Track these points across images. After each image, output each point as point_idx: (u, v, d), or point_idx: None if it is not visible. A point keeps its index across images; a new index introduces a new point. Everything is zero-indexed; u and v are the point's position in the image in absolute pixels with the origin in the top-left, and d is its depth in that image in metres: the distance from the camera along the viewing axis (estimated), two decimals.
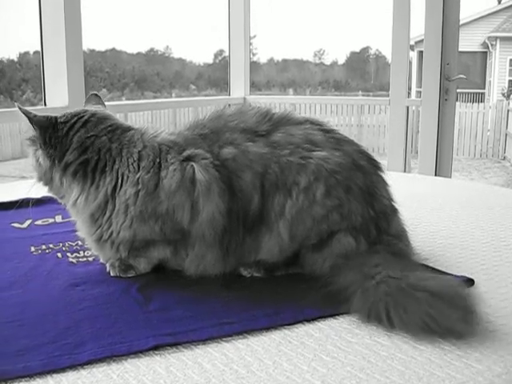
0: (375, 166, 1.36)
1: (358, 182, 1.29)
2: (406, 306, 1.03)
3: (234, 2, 4.99)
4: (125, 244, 1.30)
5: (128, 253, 1.31)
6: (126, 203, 1.27)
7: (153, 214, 1.26)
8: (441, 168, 4.45)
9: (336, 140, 1.35)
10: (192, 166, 1.26)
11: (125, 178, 1.27)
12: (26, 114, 1.30)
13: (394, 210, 1.37)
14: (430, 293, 1.02)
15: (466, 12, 14.64)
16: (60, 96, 3.23)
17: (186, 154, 1.29)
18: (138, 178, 1.27)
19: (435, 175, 4.38)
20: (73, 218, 1.38)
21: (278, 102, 5.66)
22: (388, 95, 4.68)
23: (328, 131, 1.37)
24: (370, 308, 1.07)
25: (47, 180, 1.34)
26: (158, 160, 1.28)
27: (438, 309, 1.00)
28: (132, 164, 1.28)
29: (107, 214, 1.28)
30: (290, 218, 1.26)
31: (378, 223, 1.30)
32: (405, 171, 4.59)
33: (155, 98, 12.24)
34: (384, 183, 1.36)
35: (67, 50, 3.18)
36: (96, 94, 1.51)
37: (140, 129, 1.36)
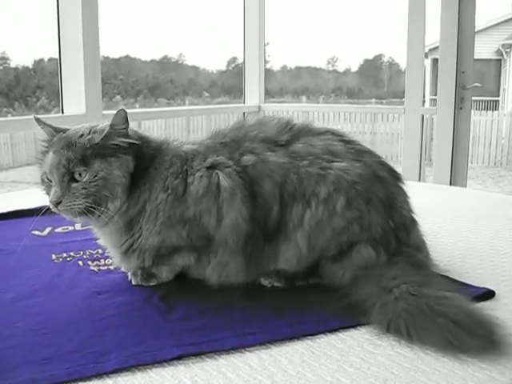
0: (395, 178, 1.37)
1: (379, 193, 1.30)
2: (426, 328, 1.03)
3: (249, 10, 5.01)
4: (151, 251, 1.31)
5: (152, 261, 1.32)
6: (156, 209, 1.28)
7: (181, 219, 1.28)
8: (456, 176, 4.44)
9: (356, 151, 1.35)
10: (217, 173, 1.28)
11: (155, 184, 1.29)
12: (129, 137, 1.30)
13: (414, 222, 1.37)
14: (451, 320, 1.02)
15: (480, 19, 14.61)
16: (77, 104, 3.26)
17: (209, 161, 1.31)
18: (168, 184, 1.29)
19: (450, 184, 4.38)
20: (99, 230, 1.37)
21: (293, 110, 5.66)
22: (401, 102, 4.69)
23: (348, 142, 1.38)
24: (389, 323, 1.07)
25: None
26: (184, 167, 1.31)
27: (459, 337, 0.99)
28: (163, 172, 1.30)
29: (140, 221, 1.30)
30: (308, 229, 1.26)
31: (398, 235, 1.30)
32: (420, 179, 4.58)
33: (168, 104, 12.28)
34: (404, 195, 1.36)
35: (85, 58, 3.20)
36: None
37: (166, 140, 1.38)
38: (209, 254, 1.30)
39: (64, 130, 1.32)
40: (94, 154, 1.26)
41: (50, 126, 1.33)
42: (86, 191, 1.24)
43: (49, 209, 1.30)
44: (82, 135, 1.28)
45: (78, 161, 1.24)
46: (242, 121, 1.42)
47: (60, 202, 1.24)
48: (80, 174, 1.25)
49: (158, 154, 1.33)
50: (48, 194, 1.29)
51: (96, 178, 1.25)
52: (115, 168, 1.27)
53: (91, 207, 1.25)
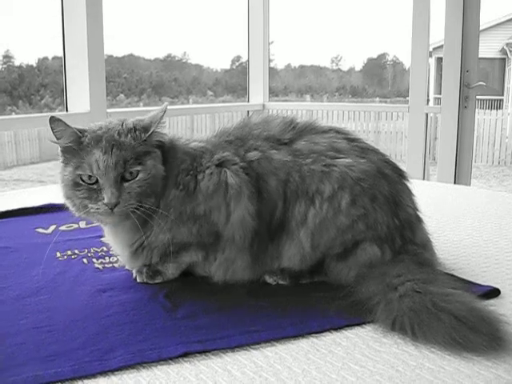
0: (400, 175, 1.36)
1: (383, 190, 1.29)
2: (430, 326, 1.03)
3: (254, 9, 5.00)
4: (160, 248, 1.30)
5: (159, 258, 1.32)
6: (169, 205, 1.27)
7: (191, 216, 1.28)
8: (460, 175, 4.43)
9: (361, 149, 1.35)
10: (225, 171, 1.28)
11: (169, 180, 1.29)
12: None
13: (419, 220, 1.36)
14: (455, 316, 1.02)
15: (485, 18, 14.59)
16: (82, 102, 3.26)
17: (217, 157, 1.31)
18: (180, 180, 1.29)
19: (454, 182, 4.37)
20: (113, 228, 1.35)
21: (297, 109, 5.66)
22: (405, 101, 4.68)
23: (353, 140, 1.38)
24: (394, 321, 1.07)
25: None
26: (194, 164, 1.31)
27: (463, 334, 0.99)
28: (175, 168, 1.30)
29: (153, 217, 1.27)
30: (312, 227, 1.26)
31: (403, 232, 1.30)
32: (424, 178, 4.58)
33: (172, 103, 12.27)
34: (409, 192, 1.36)
35: (89, 56, 3.20)
36: None
37: (173, 137, 1.38)
38: (216, 252, 1.30)
39: (83, 130, 1.27)
40: (144, 152, 1.26)
41: (74, 127, 1.26)
42: (140, 189, 1.24)
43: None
44: (120, 133, 1.25)
45: (134, 160, 1.23)
46: (247, 119, 1.42)
47: (117, 204, 1.22)
48: (131, 173, 1.23)
49: (171, 151, 1.33)
50: (87, 198, 1.23)
51: (149, 175, 1.25)
52: (158, 163, 1.28)
53: (139, 206, 1.24)
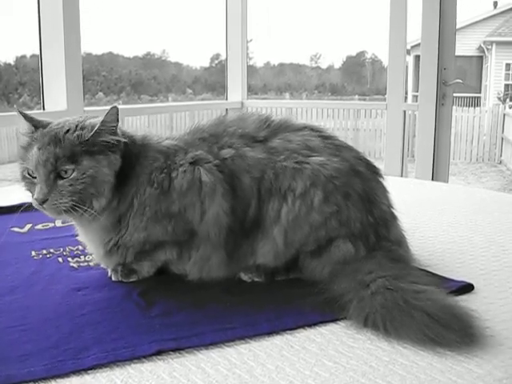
0: (374, 172, 1.37)
1: (357, 188, 1.30)
2: (402, 323, 1.03)
3: (232, 7, 5.00)
4: (135, 247, 1.30)
5: (134, 257, 1.32)
6: (144, 203, 1.27)
7: (166, 214, 1.27)
8: (438, 172, 4.46)
9: (335, 146, 1.36)
10: (198, 169, 1.28)
11: (141, 178, 1.28)
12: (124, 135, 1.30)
13: (394, 217, 1.37)
14: (427, 314, 1.02)
15: (462, 16, 14.72)
16: (58, 100, 3.24)
17: (190, 156, 1.31)
18: (154, 178, 1.28)
19: (432, 179, 4.39)
20: (83, 228, 1.35)
21: (276, 107, 5.67)
22: (384, 99, 4.69)
23: (327, 137, 1.38)
24: (367, 318, 1.07)
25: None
26: (168, 162, 1.30)
27: (435, 331, 1.00)
28: (147, 166, 1.29)
29: (128, 217, 1.28)
30: (285, 224, 1.26)
31: (378, 230, 1.31)
32: (402, 175, 4.60)
33: (152, 101, 12.24)
34: (384, 189, 1.37)
35: (66, 54, 3.18)
36: None
37: (146, 135, 1.37)
38: (191, 249, 1.29)
39: (45, 125, 1.28)
40: (83, 151, 1.23)
41: (32, 119, 1.29)
42: (73, 189, 1.21)
43: (30, 205, 1.28)
44: (68, 130, 1.24)
45: (67, 158, 1.21)
46: (222, 117, 1.42)
47: (46, 201, 1.21)
48: (66, 172, 1.21)
49: (142, 150, 1.32)
50: (30, 190, 1.25)
51: (84, 175, 1.22)
52: (104, 166, 1.24)
53: (76, 205, 1.22)
